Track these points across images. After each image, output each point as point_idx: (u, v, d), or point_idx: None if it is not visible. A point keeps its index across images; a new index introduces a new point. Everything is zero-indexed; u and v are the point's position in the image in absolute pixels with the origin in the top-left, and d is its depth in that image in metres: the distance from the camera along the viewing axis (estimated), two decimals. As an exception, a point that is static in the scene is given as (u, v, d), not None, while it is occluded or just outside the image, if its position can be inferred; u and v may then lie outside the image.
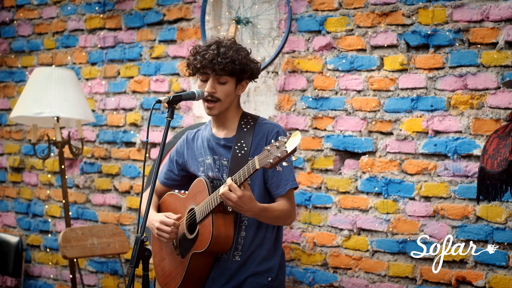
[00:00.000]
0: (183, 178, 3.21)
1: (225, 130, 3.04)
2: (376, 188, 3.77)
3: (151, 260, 2.88)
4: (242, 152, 2.94)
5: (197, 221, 2.98)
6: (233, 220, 2.95)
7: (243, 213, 2.88)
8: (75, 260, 4.34)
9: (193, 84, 4.42)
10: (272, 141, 2.68)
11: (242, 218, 2.98)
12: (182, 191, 3.24)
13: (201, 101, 3.00)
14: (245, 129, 3.00)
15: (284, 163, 2.64)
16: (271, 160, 2.63)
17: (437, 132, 3.61)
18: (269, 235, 3.01)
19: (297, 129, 4.02)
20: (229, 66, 2.92)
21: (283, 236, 4.02)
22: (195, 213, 3.00)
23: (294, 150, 2.59)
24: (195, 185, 3.07)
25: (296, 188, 3.00)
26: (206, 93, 2.96)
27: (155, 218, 3.05)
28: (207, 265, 3.01)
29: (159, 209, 3.23)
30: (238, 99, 3.06)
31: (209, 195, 2.93)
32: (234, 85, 2.98)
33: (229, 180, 2.80)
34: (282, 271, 3.07)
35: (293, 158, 2.63)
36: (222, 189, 2.80)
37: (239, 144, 2.96)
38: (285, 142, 2.62)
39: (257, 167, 2.69)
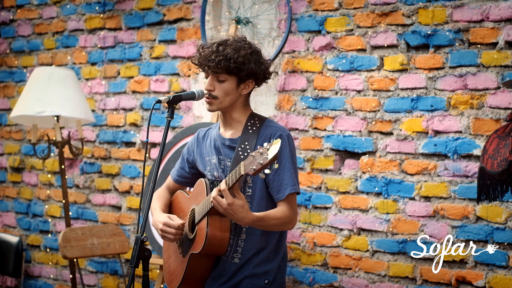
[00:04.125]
0: (194, 176, 3.19)
1: (232, 131, 3.02)
2: (376, 188, 3.77)
3: (151, 260, 2.89)
4: (245, 154, 2.91)
5: (196, 222, 2.98)
6: (230, 222, 2.92)
7: (235, 221, 2.83)
8: (75, 260, 4.35)
9: (193, 84, 4.42)
10: (258, 147, 2.66)
11: None
12: (189, 190, 3.25)
13: (201, 100, 3.00)
14: (250, 131, 2.96)
15: (267, 171, 2.60)
16: (254, 167, 2.60)
17: (437, 132, 3.61)
18: (272, 239, 2.98)
19: (297, 129, 4.02)
20: (222, 63, 2.88)
21: (283, 236, 4.02)
22: (194, 213, 3.01)
23: (275, 158, 2.56)
24: (196, 185, 3.06)
25: (297, 193, 2.95)
26: (205, 91, 2.95)
27: (159, 219, 3.04)
28: (207, 266, 3.00)
29: (170, 206, 3.24)
30: (244, 99, 3.00)
31: (207, 196, 2.93)
32: (235, 84, 2.94)
33: (223, 185, 2.75)
34: (282, 274, 3.03)
35: (275, 166, 2.61)
36: (214, 193, 2.77)
37: (242, 146, 2.93)
38: (268, 149, 2.58)
39: (242, 172, 2.66)
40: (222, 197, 2.76)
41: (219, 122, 3.10)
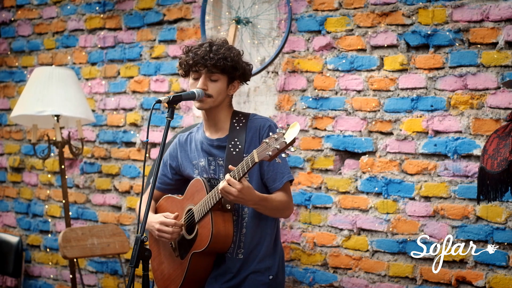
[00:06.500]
0: (177, 182, 3.21)
1: (218, 132, 3.05)
2: (376, 188, 3.77)
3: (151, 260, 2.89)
4: (237, 150, 2.96)
5: (196, 221, 2.98)
6: (232, 218, 2.96)
7: (244, 205, 2.90)
8: (75, 260, 4.35)
9: (193, 84, 4.42)
10: (270, 133, 2.69)
11: (243, 216, 2.99)
12: (179, 194, 3.24)
13: None
14: (237, 127, 3.02)
15: (283, 155, 2.65)
16: (270, 152, 2.64)
17: (437, 132, 3.61)
18: (269, 230, 3.03)
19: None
20: (221, 62, 2.94)
21: (283, 236, 4.02)
22: (193, 213, 3.00)
23: (293, 141, 2.60)
24: (192, 185, 3.07)
25: (292, 180, 3.02)
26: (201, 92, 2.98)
27: (153, 220, 3.05)
28: (207, 264, 3.01)
29: (156, 212, 3.23)
30: (229, 99, 3.08)
31: (207, 193, 2.94)
32: (226, 83, 3.00)
33: (227, 176, 2.81)
34: (282, 270, 3.09)
35: (292, 149, 2.63)
36: (222, 184, 2.81)
37: (232, 143, 2.98)
38: (284, 134, 2.62)
39: (256, 160, 2.70)
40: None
41: (200, 125, 3.13)
